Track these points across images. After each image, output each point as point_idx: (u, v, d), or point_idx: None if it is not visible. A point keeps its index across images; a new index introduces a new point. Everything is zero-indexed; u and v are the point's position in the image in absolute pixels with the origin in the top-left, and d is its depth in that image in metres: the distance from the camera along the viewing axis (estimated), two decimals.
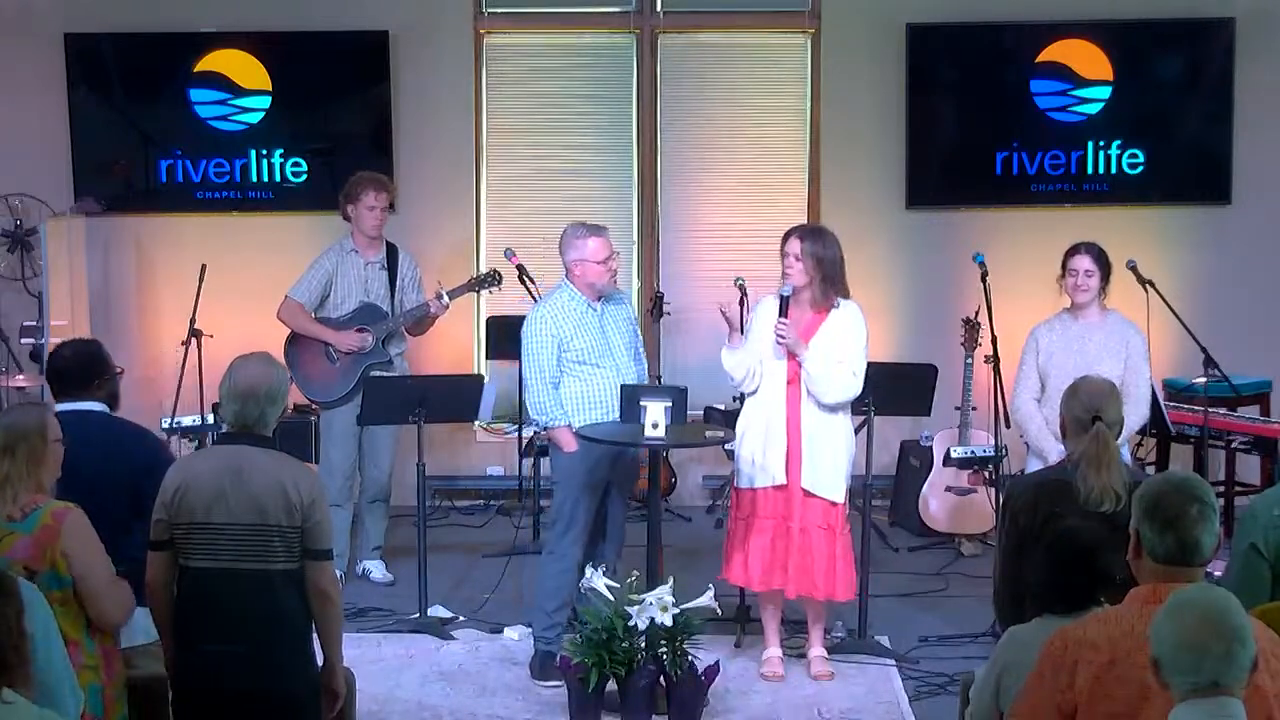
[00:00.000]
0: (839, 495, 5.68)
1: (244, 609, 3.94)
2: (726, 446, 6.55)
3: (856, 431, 5.95)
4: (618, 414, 5.70)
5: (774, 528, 5.69)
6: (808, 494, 5.65)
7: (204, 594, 3.98)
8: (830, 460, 5.65)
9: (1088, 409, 4.20)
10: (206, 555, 3.96)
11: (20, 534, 3.83)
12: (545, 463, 6.91)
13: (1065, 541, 3.58)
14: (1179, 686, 2.74)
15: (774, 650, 5.84)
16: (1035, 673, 3.16)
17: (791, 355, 5.61)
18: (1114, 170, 8.35)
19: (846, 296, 5.71)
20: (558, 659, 5.51)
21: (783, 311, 5.60)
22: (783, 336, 5.57)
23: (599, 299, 5.83)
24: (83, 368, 4.60)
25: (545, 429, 5.90)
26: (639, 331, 6.08)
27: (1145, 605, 3.07)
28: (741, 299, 7.76)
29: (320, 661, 4.13)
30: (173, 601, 4.04)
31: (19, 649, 3.09)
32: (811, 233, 5.73)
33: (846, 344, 5.62)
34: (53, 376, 4.64)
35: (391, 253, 7.05)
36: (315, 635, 4.10)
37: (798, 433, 5.65)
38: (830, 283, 5.64)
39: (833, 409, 5.66)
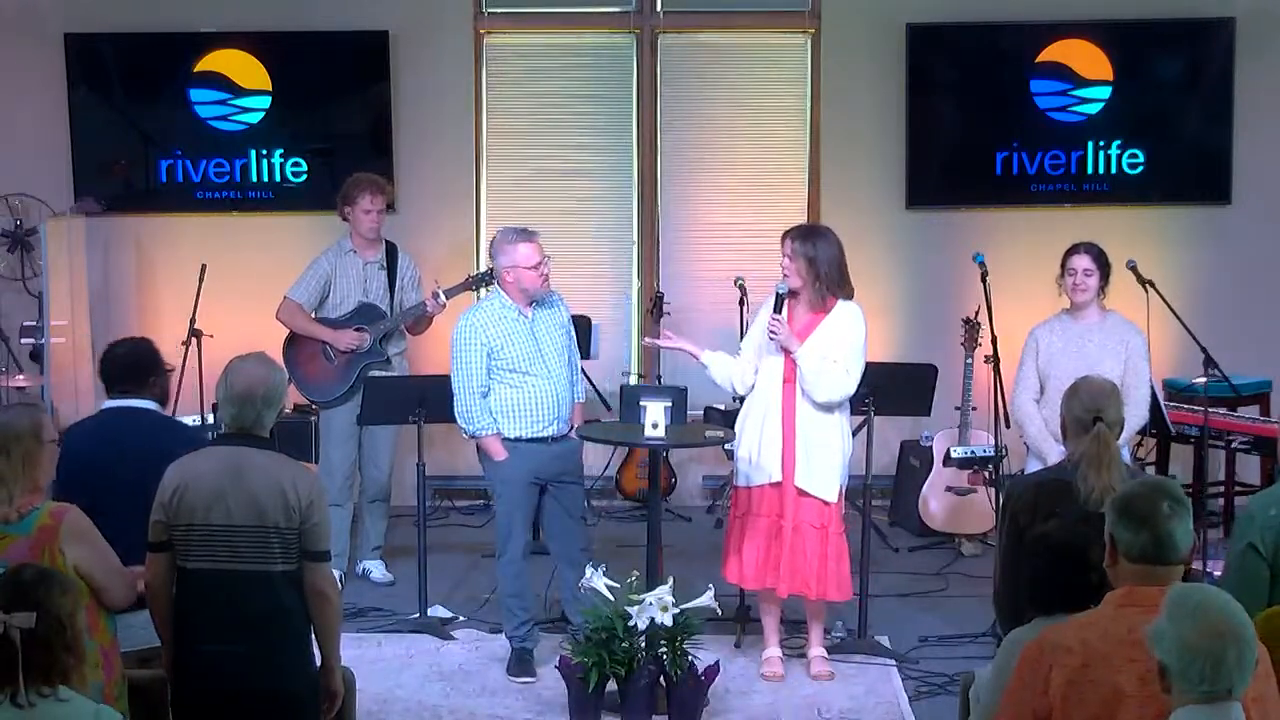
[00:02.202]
0: (832, 494, 5.68)
1: (243, 610, 3.94)
2: (726, 446, 6.55)
3: (855, 432, 5.94)
4: (551, 419, 5.79)
5: (768, 526, 5.69)
6: (801, 492, 5.65)
7: (203, 595, 3.98)
8: (824, 459, 5.65)
9: (1088, 409, 4.20)
10: (205, 556, 3.96)
11: (17, 536, 3.83)
12: None
13: (1049, 543, 3.58)
14: (1189, 692, 2.72)
15: (773, 650, 5.84)
16: (1014, 675, 3.16)
17: (787, 353, 5.62)
18: (1114, 170, 8.35)
19: (848, 297, 5.70)
20: (558, 659, 5.51)
21: (778, 308, 5.60)
22: (775, 333, 5.58)
23: (530, 305, 5.84)
24: (136, 365, 4.65)
25: (474, 437, 5.90)
26: (574, 335, 6.10)
27: (1120, 608, 3.06)
28: (741, 299, 7.78)
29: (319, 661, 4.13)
30: (172, 602, 4.04)
31: (73, 647, 3.15)
32: (804, 233, 5.71)
33: (842, 343, 5.62)
34: (106, 373, 4.67)
35: (391, 252, 7.06)
36: (312, 634, 4.11)
37: (792, 431, 5.65)
38: (827, 283, 5.62)
39: (827, 408, 5.66)
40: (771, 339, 5.61)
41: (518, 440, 5.78)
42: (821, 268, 5.60)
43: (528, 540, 5.92)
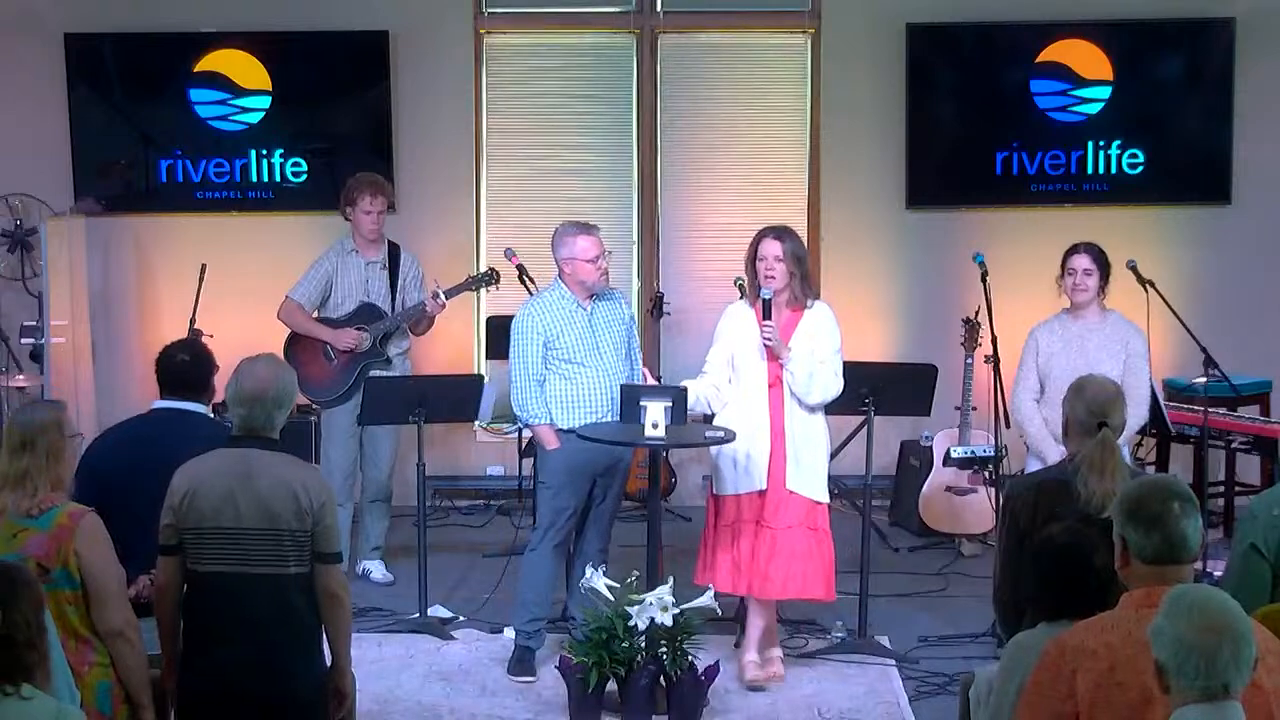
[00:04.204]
0: (824, 494, 5.71)
1: (254, 613, 3.93)
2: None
3: (854, 432, 5.95)
4: (604, 413, 5.77)
5: (757, 531, 5.66)
6: (793, 494, 5.64)
7: (214, 598, 3.97)
8: (813, 460, 5.67)
9: (1092, 412, 4.17)
10: (216, 560, 3.95)
11: (36, 530, 3.83)
12: None
13: (1053, 546, 3.57)
14: (1185, 690, 2.72)
15: (752, 655, 5.75)
16: (1032, 682, 3.13)
17: (773, 357, 5.61)
18: (1114, 170, 8.35)
19: (817, 296, 5.76)
20: (558, 659, 5.51)
21: (766, 314, 5.60)
22: (768, 339, 5.57)
23: (590, 298, 5.85)
24: (202, 373, 4.61)
25: (528, 426, 5.91)
26: (635, 332, 6.10)
27: (1140, 609, 3.05)
28: (741, 299, 7.75)
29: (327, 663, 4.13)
30: (179, 606, 4.02)
31: (37, 645, 3.10)
32: (786, 233, 5.71)
33: (824, 344, 5.64)
34: (170, 378, 4.59)
35: (394, 252, 7.06)
36: (321, 635, 4.10)
37: (782, 435, 5.64)
38: (806, 281, 5.68)
39: (813, 409, 5.67)
40: (766, 345, 5.60)
41: (570, 431, 5.78)
42: (804, 266, 5.66)
43: (564, 540, 5.90)
